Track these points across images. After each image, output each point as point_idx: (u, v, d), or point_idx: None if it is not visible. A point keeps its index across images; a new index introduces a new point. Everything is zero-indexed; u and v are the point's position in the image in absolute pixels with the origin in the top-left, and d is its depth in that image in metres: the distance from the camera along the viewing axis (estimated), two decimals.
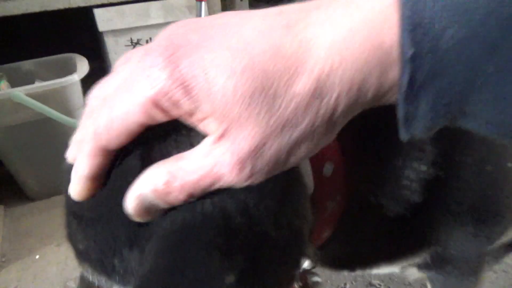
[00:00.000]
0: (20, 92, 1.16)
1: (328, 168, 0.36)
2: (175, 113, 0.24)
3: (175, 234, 0.26)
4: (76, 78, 1.25)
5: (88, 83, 1.34)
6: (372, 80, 0.22)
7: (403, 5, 0.21)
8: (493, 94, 0.20)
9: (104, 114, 0.25)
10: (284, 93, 0.22)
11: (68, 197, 0.31)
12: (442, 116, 0.22)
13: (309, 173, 0.34)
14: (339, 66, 0.22)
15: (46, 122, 1.26)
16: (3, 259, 1.16)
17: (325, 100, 0.23)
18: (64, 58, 1.48)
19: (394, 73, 0.22)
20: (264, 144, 0.23)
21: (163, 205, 0.26)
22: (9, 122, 1.24)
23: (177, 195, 0.25)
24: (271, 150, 0.23)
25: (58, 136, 1.33)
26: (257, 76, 0.22)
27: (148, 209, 0.26)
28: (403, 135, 0.23)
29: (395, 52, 0.21)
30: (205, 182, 0.24)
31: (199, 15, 1.31)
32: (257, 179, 0.24)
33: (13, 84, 1.37)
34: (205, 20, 0.26)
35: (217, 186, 0.24)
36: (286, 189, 0.28)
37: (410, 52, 0.20)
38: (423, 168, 0.37)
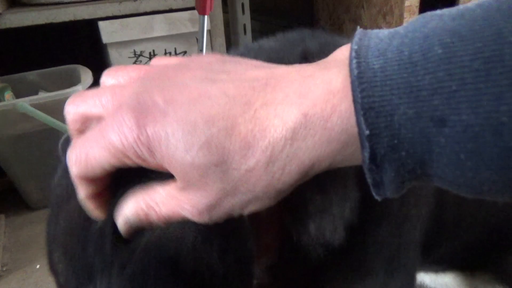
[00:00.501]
0: (25, 103, 1.18)
1: None
2: (143, 164, 0.27)
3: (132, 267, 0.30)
4: (80, 89, 1.27)
5: None
6: (326, 157, 0.24)
7: (353, 91, 0.22)
8: (450, 161, 0.21)
9: (82, 149, 0.28)
10: (238, 167, 0.25)
11: (48, 222, 0.35)
12: (408, 180, 0.23)
13: None
14: (291, 146, 0.24)
15: (49, 132, 1.27)
16: (4, 269, 1.16)
17: (277, 175, 0.25)
18: (68, 69, 1.50)
19: (352, 148, 0.24)
20: (218, 203, 0.27)
21: (148, 226, 0.30)
22: (13, 132, 1.25)
23: (157, 223, 0.29)
24: (225, 206, 0.27)
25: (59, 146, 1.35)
26: (214, 153, 0.25)
27: (135, 230, 0.31)
28: (376, 196, 0.25)
29: (351, 131, 0.23)
30: (176, 217, 0.29)
31: (201, 28, 1.34)
32: (216, 221, 0.28)
33: (17, 94, 1.39)
34: (174, 72, 0.28)
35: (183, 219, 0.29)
36: (233, 227, 0.31)
37: (367, 132, 0.22)
38: (345, 211, 0.37)
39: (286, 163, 0.25)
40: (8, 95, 1.34)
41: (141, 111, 0.26)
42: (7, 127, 1.24)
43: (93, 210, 0.31)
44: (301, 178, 0.26)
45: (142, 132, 0.25)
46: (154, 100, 0.26)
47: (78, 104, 0.30)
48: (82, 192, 0.30)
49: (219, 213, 0.27)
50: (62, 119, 1.24)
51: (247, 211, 0.28)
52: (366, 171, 0.24)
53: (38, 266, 1.17)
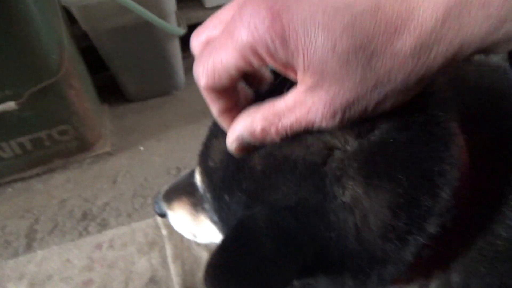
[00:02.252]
0: None
1: None
2: (270, 62, 0.25)
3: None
4: None
5: None
6: (477, 37, 0.22)
7: None
8: None
9: (209, 58, 0.27)
10: (383, 52, 0.23)
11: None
12: None
13: None
14: (442, 27, 0.21)
15: (144, 26, 1.32)
16: (114, 148, 1.32)
17: (422, 59, 0.23)
18: None
19: (508, 26, 0.20)
20: (356, 98, 0.24)
21: (259, 144, 0.30)
22: (112, 25, 1.33)
23: (272, 138, 0.29)
24: (360, 104, 0.25)
25: (154, 41, 1.41)
26: (357, 35, 0.22)
27: (246, 147, 0.31)
28: None
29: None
30: (297, 126, 0.27)
31: None
32: (343, 124, 0.27)
33: None
34: None
35: (308, 129, 0.27)
36: None
37: None
38: None
39: (434, 44, 0.22)
40: None
41: (273, 0, 0.23)
42: (106, 20, 1.31)
43: (227, 127, 0.31)
44: (447, 63, 0.23)
45: (276, 19, 0.23)
46: None
47: (200, 34, 0.29)
48: (214, 108, 0.30)
49: (352, 114, 0.25)
50: (154, 12, 1.28)
51: (382, 110, 0.26)
52: None
53: (141, 148, 1.32)
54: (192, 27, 1.45)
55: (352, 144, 0.30)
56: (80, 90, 1.21)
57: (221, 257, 0.30)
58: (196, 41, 0.30)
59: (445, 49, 0.23)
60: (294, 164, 0.31)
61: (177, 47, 1.49)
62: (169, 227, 0.99)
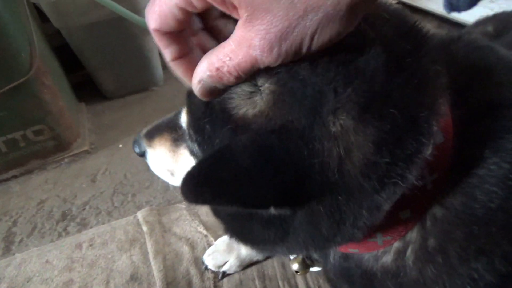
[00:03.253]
0: None
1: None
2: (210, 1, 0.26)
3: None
4: None
5: None
6: None
7: None
8: None
9: (155, 1, 0.29)
10: None
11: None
12: None
13: None
14: None
15: (117, 22, 1.30)
16: (92, 147, 1.30)
17: None
18: None
19: None
20: (288, 28, 0.25)
21: (221, 86, 0.31)
22: (85, 21, 1.30)
23: (228, 78, 0.30)
24: (295, 32, 0.25)
25: (129, 37, 1.38)
26: None
27: (211, 91, 0.32)
28: None
29: None
30: (246, 64, 0.28)
31: None
32: (286, 59, 0.27)
33: None
34: None
35: (256, 67, 0.28)
36: None
37: None
38: None
39: None
40: None
41: None
42: (78, 16, 1.28)
43: (181, 75, 0.33)
44: None
45: None
46: None
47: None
48: (167, 54, 0.31)
49: (289, 44, 0.26)
50: (128, 6, 1.25)
51: (319, 43, 0.27)
52: None
53: (120, 145, 1.30)
54: None
55: (353, 82, 0.31)
56: (54, 88, 1.19)
57: (200, 168, 0.30)
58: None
59: None
60: (293, 89, 0.31)
61: (153, 42, 1.46)
62: (150, 223, 0.98)
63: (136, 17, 1.28)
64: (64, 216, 1.08)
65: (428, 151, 0.33)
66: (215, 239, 0.93)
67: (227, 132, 0.34)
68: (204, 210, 1.00)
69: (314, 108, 0.31)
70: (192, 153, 0.46)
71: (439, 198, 0.39)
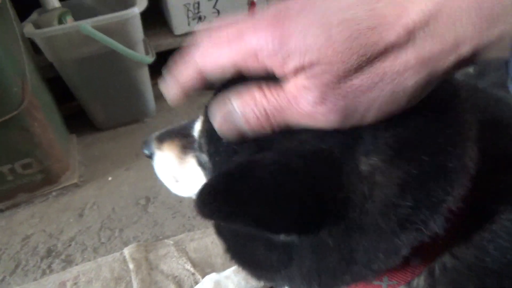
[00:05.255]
0: (87, 24, 1.22)
1: None
2: (268, 63, 0.28)
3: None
4: (136, 10, 1.28)
5: (145, 19, 1.37)
6: (471, 37, 0.23)
7: None
8: None
9: (212, 45, 0.30)
10: (377, 41, 0.25)
11: None
12: None
13: None
14: (435, 21, 0.24)
15: (110, 55, 1.32)
16: (81, 180, 1.29)
17: (417, 45, 0.25)
18: None
19: (502, 26, 0.22)
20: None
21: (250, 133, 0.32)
22: (77, 55, 1.32)
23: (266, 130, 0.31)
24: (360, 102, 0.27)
25: (122, 70, 1.40)
26: (351, 27, 0.25)
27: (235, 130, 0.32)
28: None
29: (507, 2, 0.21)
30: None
31: None
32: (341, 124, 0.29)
33: (77, 19, 1.43)
34: None
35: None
36: None
37: None
38: None
39: (428, 36, 0.24)
40: (70, 19, 1.39)
41: (275, 14, 0.28)
42: (72, 50, 1.30)
43: (173, 97, 0.34)
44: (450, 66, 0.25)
45: (276, 28, 0.27)
46: (289, 7, 0.28)
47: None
48: (183, 77, 0.32)
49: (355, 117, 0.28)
50: (121, 41, 1.28)
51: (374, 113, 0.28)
52: None
53: (110, 178, 1.29)
54: (161, 55, 1.46)
55: (388, 129, 0.31)
56: (44, 121, 1.19)
57: (220, 181, 0.29)
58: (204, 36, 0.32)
59: (440, 44, 0.25)
60: None
61: (146, 74, 1.48)
62: (137, 260, 0.96)
63: (129, 51, 1.30)
64: (49, 252, 1.06)
65: (452, 201, 0.33)
66: (203, 277, 0.91)
67: (248, 148, 0.33)
68: (192, 247, 0.99)
69: (349, 144, 0.31)
70: (200, 163, 0.46)
71: (450, 248, 0.39)
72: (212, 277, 0.88)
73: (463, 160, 0.34)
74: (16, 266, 1.03)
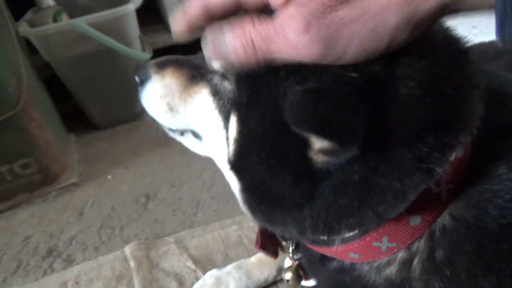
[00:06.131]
0: (82, 22, 1.21)
1: None
2: None
3: None
4: (131, 7, 1.27)
5: (141, 15, 1.36)
6: None
7: None
8: None
9: None
10: None
11: None
12: None
13: None
14: None
15: (107, 53, 1.31)
16: (81, 178, 1.29)
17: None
18: None
19: None
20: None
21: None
22: (73, 54, 1.31)
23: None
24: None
25: (119, 67, 1.39)
26: None
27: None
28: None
29: None
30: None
31: None
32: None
33: (72, 18, 1.42)
34: None
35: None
36: None
37: None
38: None
39: None
40: (65, 17, 1.38)
41: None
42: (67, 48, 1.29)
43: (178, 28, 0.37)
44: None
45: None
46: None
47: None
48: (190, 11, 0.35)
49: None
50: (116, 38, 1.27)
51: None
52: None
53: (109, 177, 1.29)
54: (157, 51, 1.45)
55: (422, 60, 0.34)
56: (41, 121, 1.18)
57: (321, 90, 0.32)
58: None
59: None
60: None
61: None
62: (138, 259, 0.96)
63: (125, 48, 1.29)
64: (50, 252, 1.06)
65: (452, 158, 0.35)
66: (204, 273, 0.91)
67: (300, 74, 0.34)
68: (193, 244, 0.98)
69: (391, 68, 0.33)
70: (215, 92, 0.44)
71: (450, 209, 0.39)
72: (213, 273, 0.87)
73: (474, 109, 0.36)
74: (18, 267, 1.03)
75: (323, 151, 0.34)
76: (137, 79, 0.53)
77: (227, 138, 0.43)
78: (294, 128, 0.32)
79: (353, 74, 0.32)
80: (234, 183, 0.44)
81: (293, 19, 0.28)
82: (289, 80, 0.34)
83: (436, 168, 0.34)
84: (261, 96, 0.37)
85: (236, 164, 0.42)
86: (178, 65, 0.50)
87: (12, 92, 1.07)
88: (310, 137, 0.33)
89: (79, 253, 1.04)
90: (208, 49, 0.34)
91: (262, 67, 0.34)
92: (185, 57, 0.51)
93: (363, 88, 0.32)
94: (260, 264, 0.85)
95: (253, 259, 0.86)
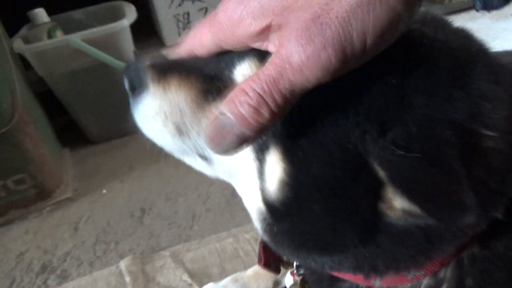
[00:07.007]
0: (77, 38, 1.22)
1: None
2: (239, 36, 0.31)
3: None
4: (126, 23, 1.29)
5: (135, 30, 1.38)
6: None
7: None
8: None
9: (194, 33, 0.36)
10: None
11: None
12: None
13: None
14: None
15: (101, 68, 1.32)
16: (76, 193, 1.28)
17: None
18: (113, 6, 1.51)
19: None
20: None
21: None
22: (67, 69, 1.31)
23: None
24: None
25: (113, 82, 1.40)
26: None
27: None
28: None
29: None
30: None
31: None
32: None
33: (67, 33, 1.43)
34: None
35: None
36: None
37: None
38: None
39: None
40: (59, 33, 1.39)
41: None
42: (62, 64, 1.30)
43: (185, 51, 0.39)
44: None
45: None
46: None
47: None
48: (198, 36, 0.37)
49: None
50: (110, 53, 1.28)
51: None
52: None
53: (104, 191, 1.28)
54: None
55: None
56: (36, 136, 1.18)
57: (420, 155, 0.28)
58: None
59: None
60: None
61: None
62: (133, 273, 0.96)
63: (119, 63, 1.30)
64: (44, 268, 1.05)
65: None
66: (200, 287, 0.90)
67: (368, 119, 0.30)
68: (189, 257, 0.98)
69: (474, 112, 0.31)
70: None
71: (479, 239, 0.38)
72: (209, 286, 0.87)
73: None
74: (11, 283, 1.02)
75: (406, 212, 0.31)
76: (126, 84, 0.42)
77: (261, 173, 0.36)
78: (396, 195, 0.30)
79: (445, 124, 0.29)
80: (260, 214, 0.39)
81: (287, 40, 0.25)
82: (365, 124, 0.30)
83: (495, 209, 0.33)
84: (319, 134, 0.32)
85: (279, 207, 0.36)
86: (185, 73, 0.38)
87: (6, 108, 1.07)
88: (391, 194, 0.31)
89: (74, 268, 1.03)
90: (209, 138, 0.29)
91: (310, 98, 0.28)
92: (189, 60, 0.39)
93: (460, 148, 0.29)
94: (256, 277, 0.85)
95: (250, 272, 0.86)
